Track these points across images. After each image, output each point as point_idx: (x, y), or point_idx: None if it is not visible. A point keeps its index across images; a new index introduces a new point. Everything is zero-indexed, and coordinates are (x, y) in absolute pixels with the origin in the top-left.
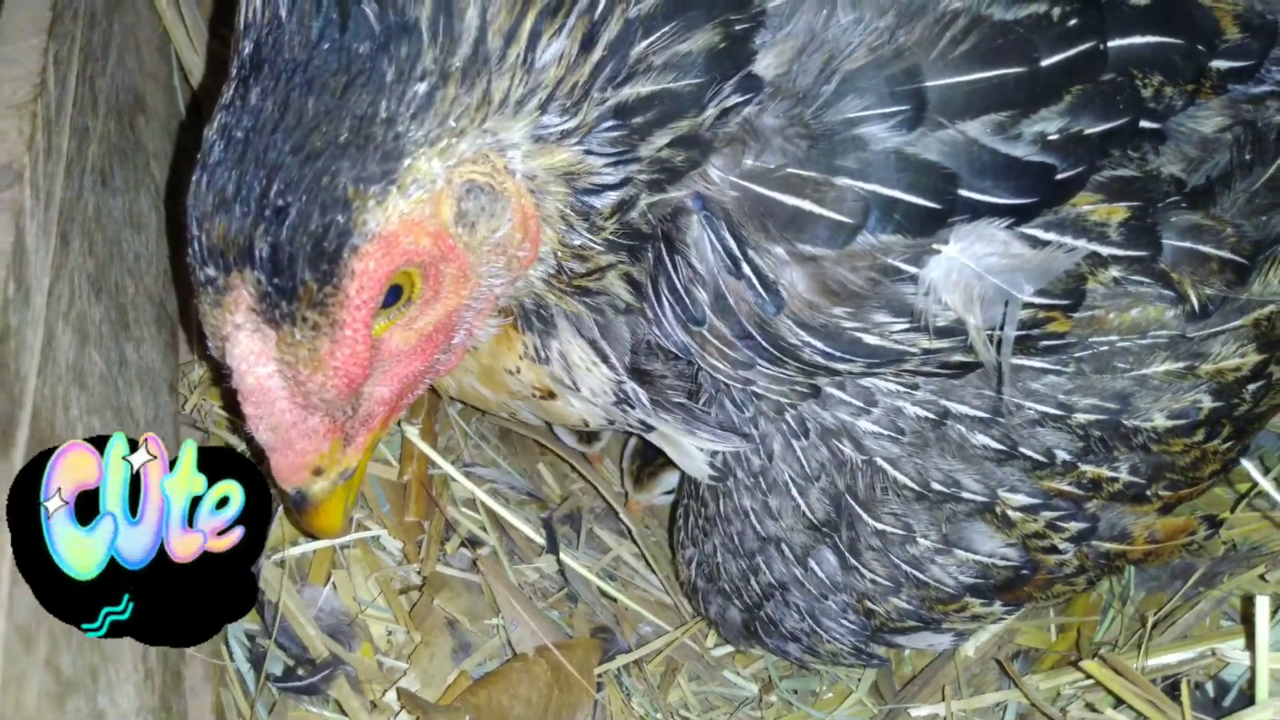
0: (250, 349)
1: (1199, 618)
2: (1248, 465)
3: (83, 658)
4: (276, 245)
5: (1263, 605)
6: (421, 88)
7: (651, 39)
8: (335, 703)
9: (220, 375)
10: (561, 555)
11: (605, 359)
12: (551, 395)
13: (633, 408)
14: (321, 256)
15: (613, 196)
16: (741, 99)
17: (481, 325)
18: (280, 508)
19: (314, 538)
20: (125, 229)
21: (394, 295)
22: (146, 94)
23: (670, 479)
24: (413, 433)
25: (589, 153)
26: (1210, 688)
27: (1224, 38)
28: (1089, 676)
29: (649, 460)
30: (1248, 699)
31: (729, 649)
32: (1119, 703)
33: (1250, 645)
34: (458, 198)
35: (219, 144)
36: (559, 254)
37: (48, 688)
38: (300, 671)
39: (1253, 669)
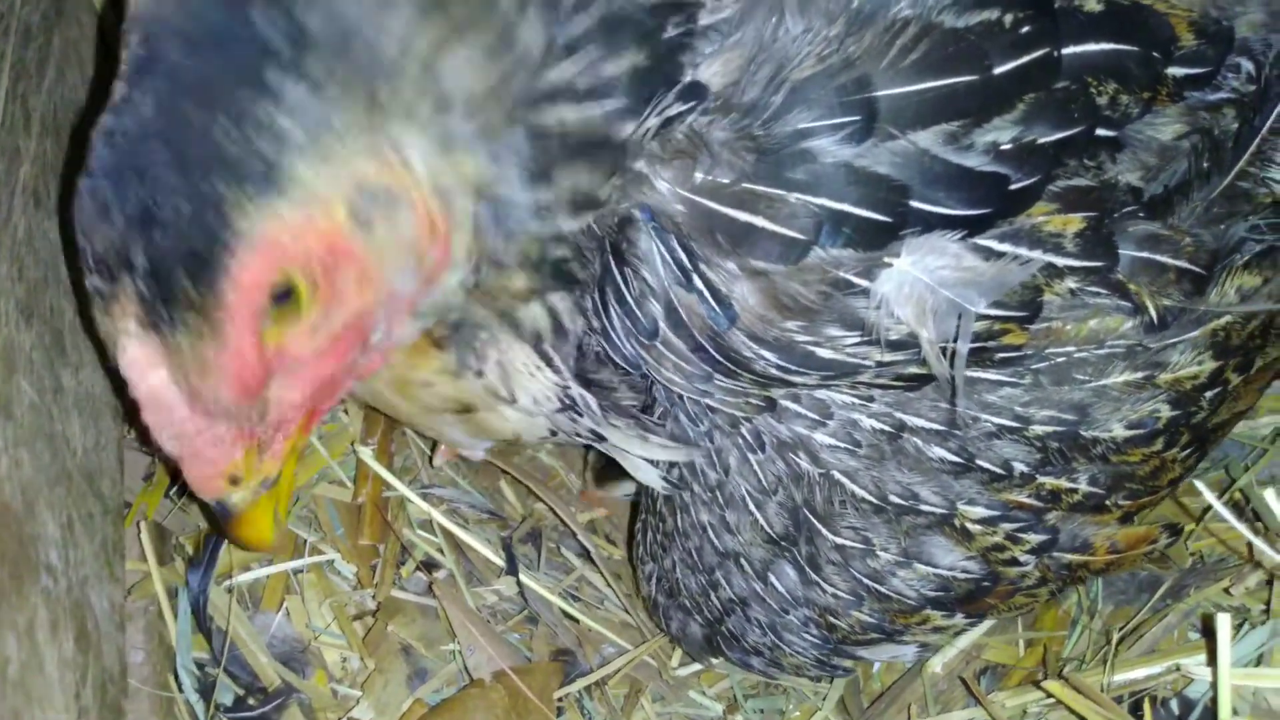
0: (139, 356)
1: (1166, 631)
2: (1201, 486)
3: (4, 702)
4: (152, 253)
5: (1224, 622)
6: (302, 89)
7: (574, 58)
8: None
9: (118, 386)
10: (521, 577)
11: (549, 362)
12: (468, 410)
13: (581, 415)
14: (197, 263)
15: (528, 220)
16: (684, 107)
17: (401, 325)
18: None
19: (247, 549)
20: (63, 251)
21: (286, 295)
22: (90, 109)
23: (631, 485)
24: (366, 453)
25: (498, 164)
26: (1175, 705)
27: (1179, 44)
28: (1053, 696)
29: (612, 463)
30: (1212, 716)
31: (693, 668)
32: None
33: (1212, 661)
34: (349, 199)
35: (103, 148)
36: (472, 257)
37: None
38: (251, 701)
39: (1215, 686)
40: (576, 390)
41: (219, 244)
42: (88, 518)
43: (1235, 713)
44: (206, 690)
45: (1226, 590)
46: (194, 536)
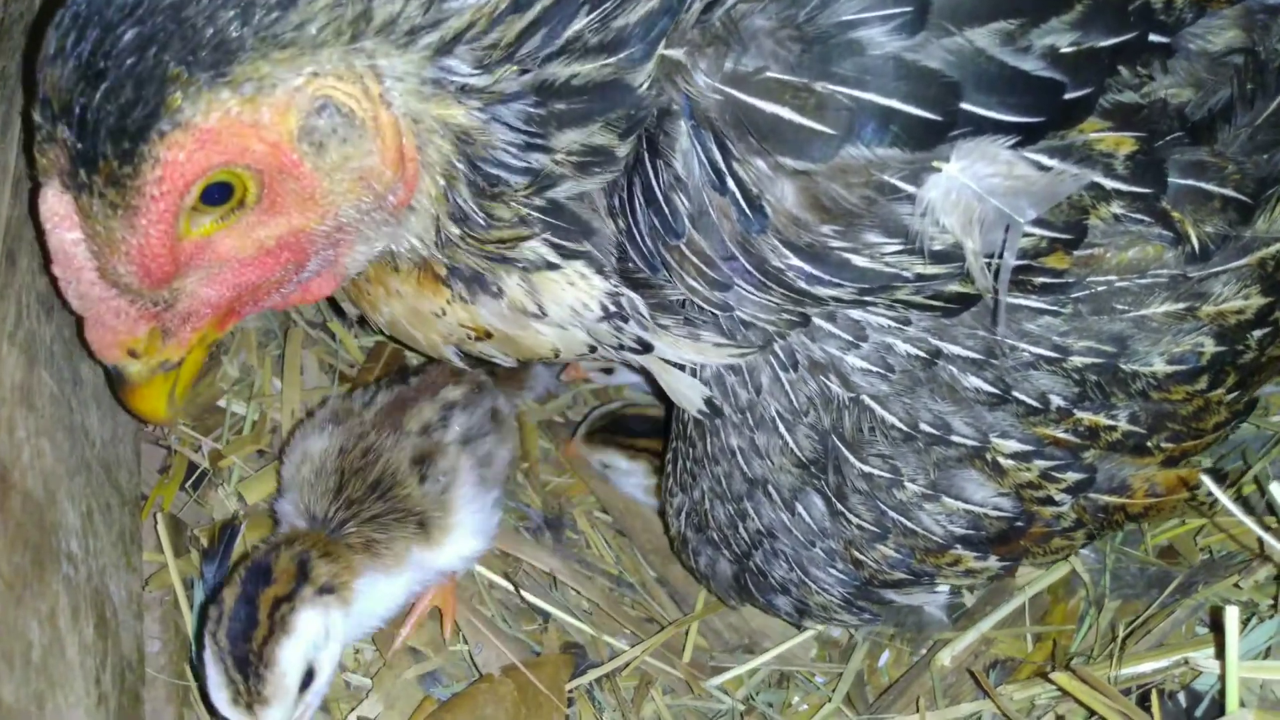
0: (56, 208)
1: (1174, 626)
2: (1205, 478)
3: (27, 685)
4: (86, 108)
5: (1232, 615)
6: None
7: (592, 15)
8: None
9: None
10: (525, 595)
11: (599, 269)
12: (488, 335)
13: (626, 321)
14: (124, 133)
15: (518, 180)
16: None
17: (349, 255)
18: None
19: (138, 419)
20: None
21: (222, 194)
22: None
23: (618, 461)
24: None
25: (493, 121)
26: (1183, 698)
27: None
28: (1061, 689)
29: (611, 430)
30: (1219, 708)
31: (703, 662)
32: (1091, 714)
33: (1220, 654)
34: (306, 111)
35: None
36: (440, 210)
37: None
38: None
39: (1223, 679)
40: (626, 295)
41: (153, 123)
42: (106, 508)
43: (1243, 705)
44: None
45: (1236, 585)
46: (209, 529)
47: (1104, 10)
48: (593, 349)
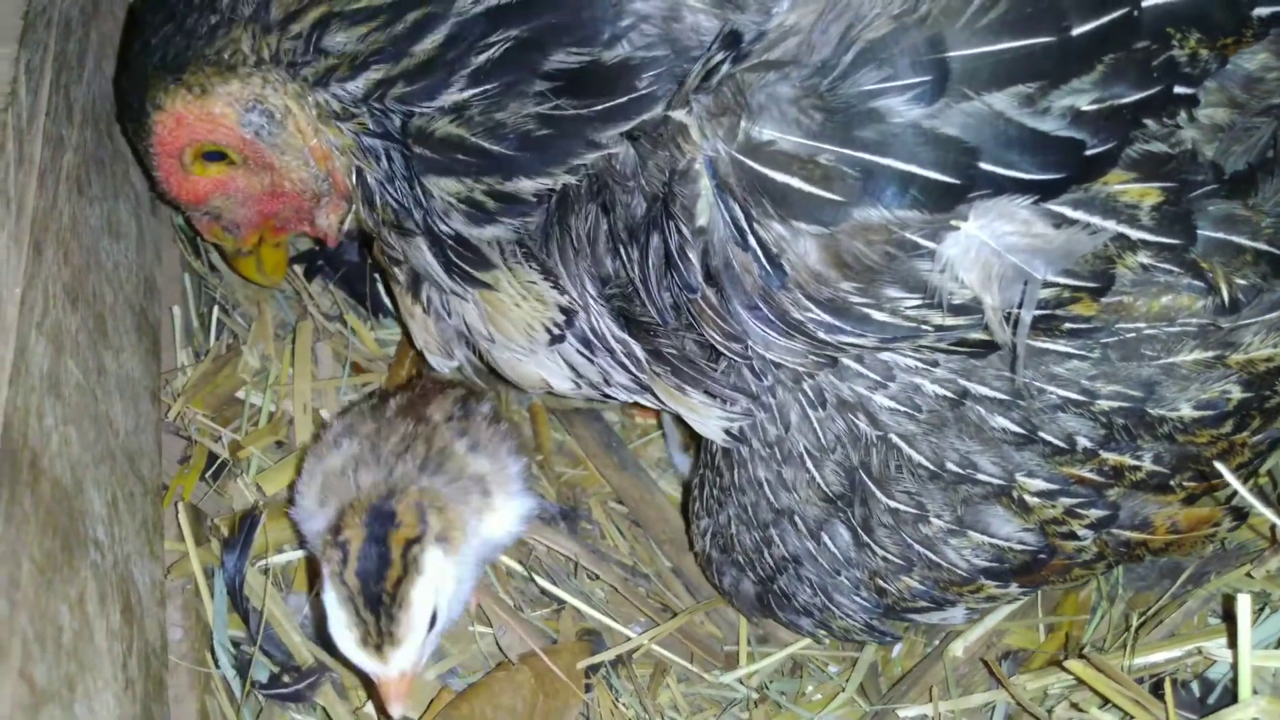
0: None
1: (1187, 616)
2: (1220, 466)
3: (58, 668)
4: (121, 85)
5: (1244, 603)
6: (214, 19)
7: (472, 92)
8: (321, 709)
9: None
10: (542, 582)
11: (555, 283)
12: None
13: (595, 354)
14: (130, 108)
15: (402, 209)
16: (725, 58)
17: (335, 213)
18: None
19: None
20: (103, 237)
21: (215, 155)
22: None
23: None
24: None
25: (365, 151)
26: (1196, 686)
27: None
28: (1075, 676)
29: None
30: (1232, 696)
31: (718, 650)
32: (1105, 702)
33: (1233, 643)
34: (241, 109)
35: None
36: (362, 204)
37: (22, 699)
38: (286, 678)
39: (1235, 667)
40: (597, 314)
41: (144, 103)
42: (130, 496)
43: (1255, 693)
44: (243, 667)
45: (1248, 575)
46: (229, 519)
47: (1126, 68)
48: (578, 385)
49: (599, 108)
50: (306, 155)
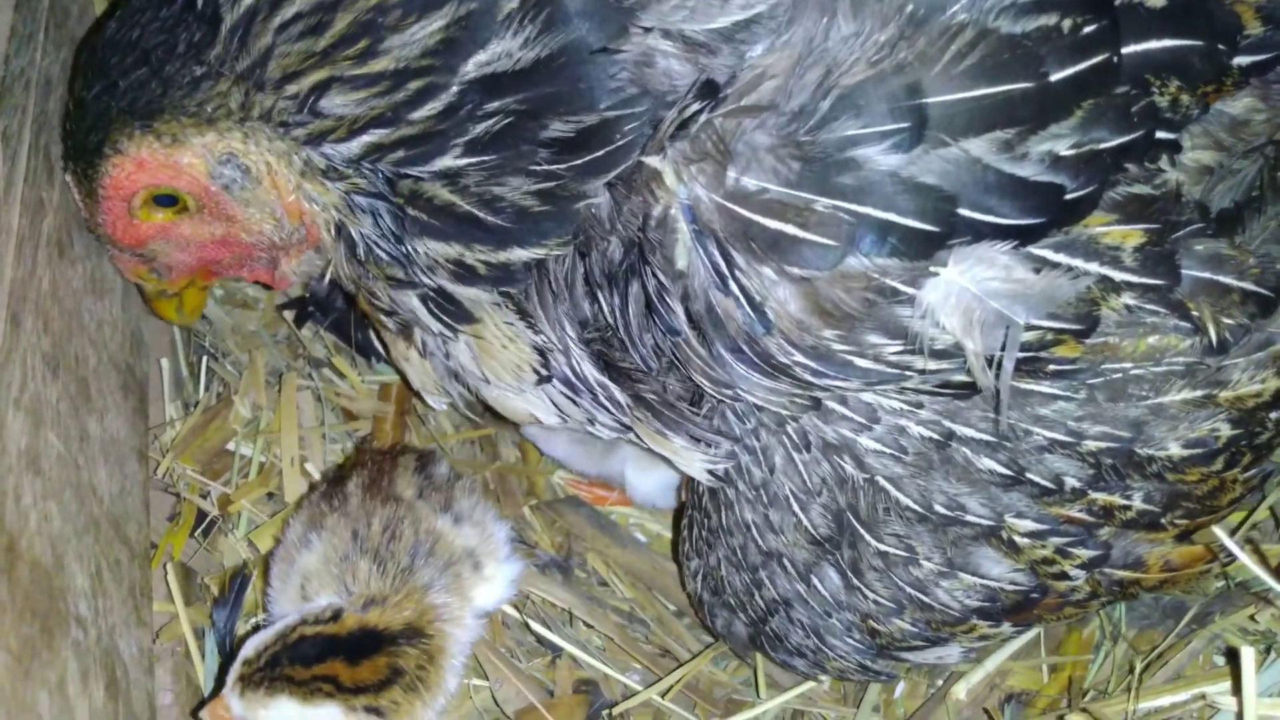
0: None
1: (1191, 656)
2: (1219, 533)
3: None
4: (71, 126)
5: (1248, 656)
6: (198, 71)
7: (468, 161)
8: None
9: None
10: (538, 628)
11: (532, 325)
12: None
13: (579, 396)
14: (84, 150)
15: (390, 263)
16: (700, 106)
17: (288, 263)
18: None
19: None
20: (86, 297)
21: (167, 200)
22: None
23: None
24: None
25: (355, 208)
26: None
27: (1246, 33)
28: None
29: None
30: None
31: (717, 697)
32: None
33: (1237, 690)
34: (214, 161)
35: (108, 30)
36: (339, 259)
37: None
38: None
39: (1239, 716)
40: (577, 358)
41: (100, 145)
42: (115, 564)
43: None
44: None
45: (1252, 618)
46: (219, 576)
47: (1106, 113)
48: (564, 420)
49: (582, 161)
50: (277, 209)
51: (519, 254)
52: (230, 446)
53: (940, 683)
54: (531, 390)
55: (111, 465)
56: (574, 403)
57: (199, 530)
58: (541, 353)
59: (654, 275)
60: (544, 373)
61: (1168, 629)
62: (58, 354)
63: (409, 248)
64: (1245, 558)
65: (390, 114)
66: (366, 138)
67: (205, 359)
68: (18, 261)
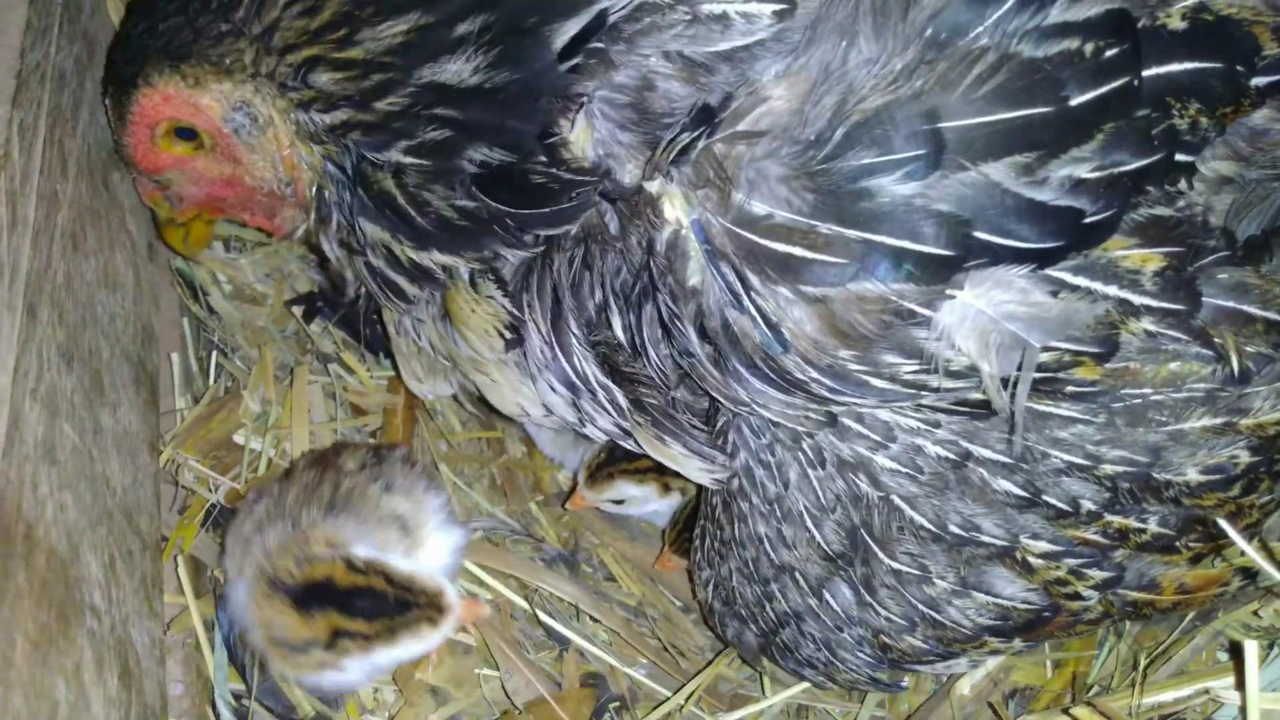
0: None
1: (1195, 652)
2: (1222, 522)
3: None
4: (113, 57)
5: (1251, 650)
6: (224, 27)
7: (410, 160)
8: None
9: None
10: (546, 619)
11: (502, 286)
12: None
13: (582, 395)
14: (125, 79)
15: (340, 219)
16: (695, 134)
17: (287, 211)
18: None
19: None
20: (99, 290)
21: (186, 134)
22: None
23: (627, 489)
24: None
25: (329, 177)
26: None
27: (1263, 55)
28: None
29: (613, 460)
30: None
31: (723, 692)
32: None
33: (1241, 685)
34: (227, 107)
35: None
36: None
37: None
38: None
39: (1243, 711)
40: (580, 357)
41: (135, 76)
42: (128, 555)
43: None
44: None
45: (1255, 613)
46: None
47: (1126, 136)
48: (549, 411)
49: (521, 212)
50: (276, 160)
51: (437, 258)
52: (239, 440)
53: (944, 679)
54: (513, 370)
55: (124, 457)
56: (572, 404)
57: (208, 522)
58: (513, 319)
59: (667, 299)
60: (510, 336)
61: (1171, 625)
62: (72, 346)
63: (356, 226)
64: (1252, 552)
65: (358, 98)
66: (340, 114)
67: (214, 353)
68: (34, 253)
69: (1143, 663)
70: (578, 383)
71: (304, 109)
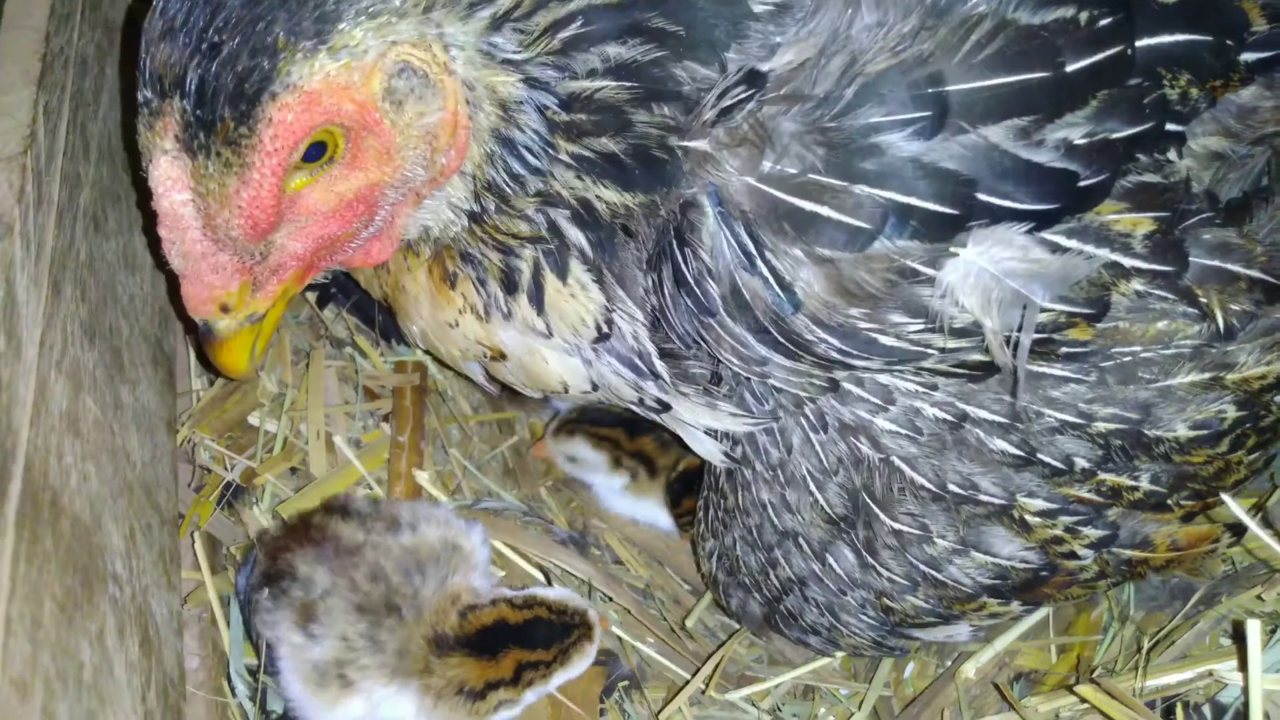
0: (169, 174)
1: (1198, 637)
2: (1228, 499)
3: (80, 703)
4: (204, 78)
5: (1254, 629)
6: None
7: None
8: None
9: (149, 217)
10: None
11: (600, 279)
12: (502, 356)
13: (640, 373)
14: (242, 96)
15: (531, 181)
16: (745, 94)
17: (404, 215)
18: None
19: (222, 374)
20: (119, 271)
21: (318, 152)
22: None
23: (583, 450)
24: (424, 477)
25: (528, 103)
26: (1208, 710)
27: (1252, 30)
28: (1086, 701)
29: (581, 419)
30: None
31: (730, 672)
32: None
33: (1244, 667)
34: (389, 74)
35: None
36: (479, 181)
37: None
38: None
39: (1246, 692)
40: (626, 325)
41: (267, 88)
42: (147, 528)
43: (1266, 717)
44: (262, 699)
45: (1259, 597)
46: (244, 546)
47: (1119, 104)
48: (595, 386)
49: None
50: (436, 127)
51: (640, 198)
52: (254, 421)
53: (949, 663)
54: (586, 351)
55: (143, 434)
56: (634, 384)
57: (224, 501)
58: (607, 314)
59: (690, 258)
60: (605, 330)
61: (1175, 611)
62: (94, 323)
63: (550, 158)
64: (1255, 527)
65: None
66: (540, 15)
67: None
68: (58, 231)
69: (1146, 646)
70: (638, 361)
71: (496, 28)
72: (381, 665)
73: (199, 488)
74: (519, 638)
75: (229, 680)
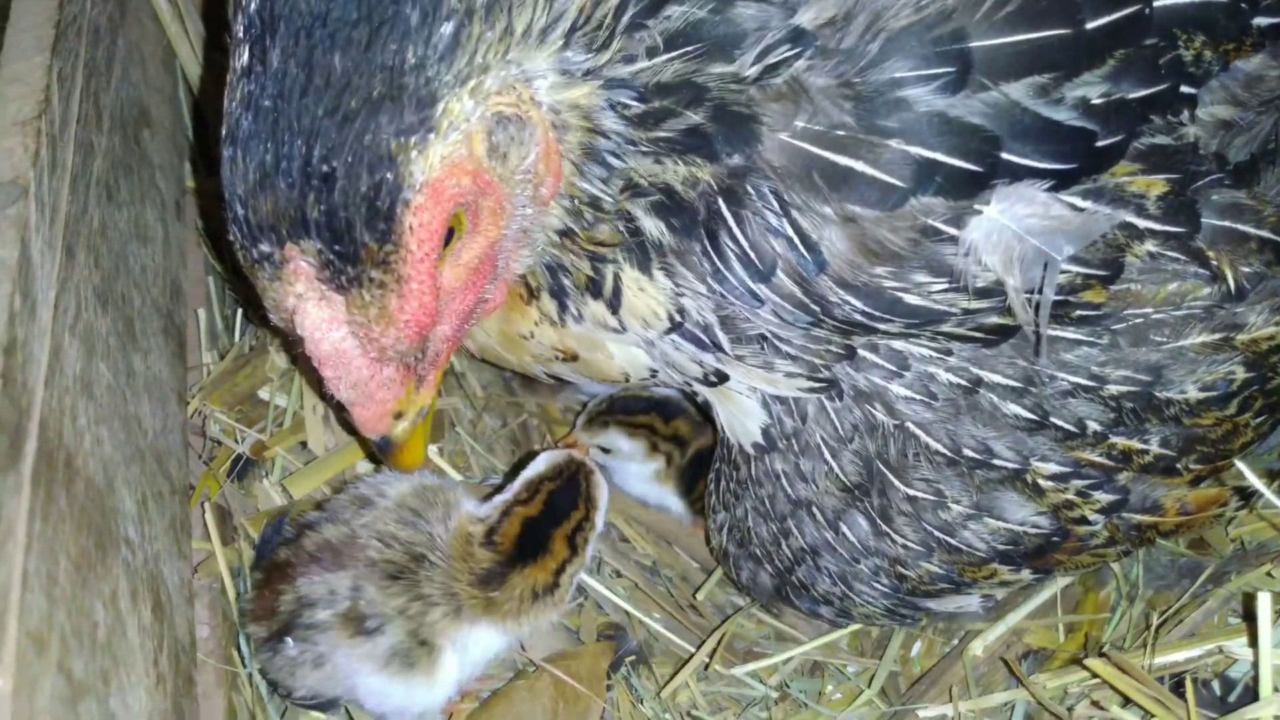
0: (320, 317)
1: (1207, 615)
2: (1242, 466)
3: (95, 662)
4: (331, 212)
5: (1264, 602)
6: (448, 28)
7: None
8: (345, 710)
9: (289, 344)
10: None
11: (668, 269)
12: (575, 357)
13: (703, 347)
14: (377, 216)
15: (617, 180)
16: (791, 52)
17: (517, 258)
18: None
19: (403, 471)
20: (131, 241)
21: (450, 234)
22: (151, 107)
23: (619, 440)
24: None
25: (607, 106)
26: (1217, 685)
27: None
28: (1095, 675)
29: (612, 410)
30: (1253, 695)
31: (738, 648)
32: (1126, 701)
33: (1253, 642)
34: (488, 131)
35: (246, 116)
36: (575, 198)
37: (60, 692)
38: None
39: (1256, 665)
40: (696, 308)
41: (399, 197)
42: (159, 496)
43: (1276, 691)
44: None
45: (1268, 574)
46: (255, 519)
47: (1135, 64)
48: (654, 372)
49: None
50: (536, 163)
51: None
52: (263, 395)
53: (957, 641)
54: (658, 339)
55: (155, 403)
56: (697, 359)
57: (234, 473)
58: (677, 300)
59: (731, 220)
60: (678, 319)
61: (1183, 589)
62: (107, 290)
63: (634, 150)
64: (1267, 490)
65: None
66: (601, 10)
67: (239, 311)
68: (72, 197)
69: (1155, 623)
70: (704, 337)
71: (565, 43)
72: (444, 613)
73: (209, 460)
74: (549, 521)
75: (239, 650)
